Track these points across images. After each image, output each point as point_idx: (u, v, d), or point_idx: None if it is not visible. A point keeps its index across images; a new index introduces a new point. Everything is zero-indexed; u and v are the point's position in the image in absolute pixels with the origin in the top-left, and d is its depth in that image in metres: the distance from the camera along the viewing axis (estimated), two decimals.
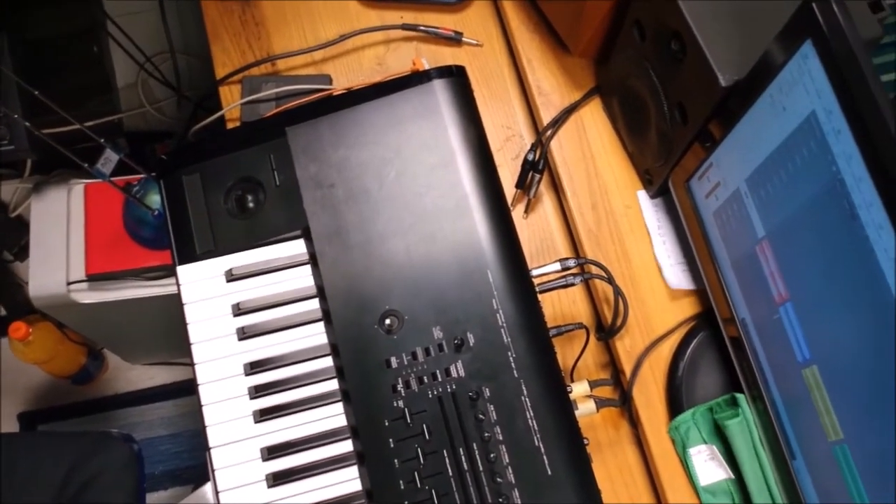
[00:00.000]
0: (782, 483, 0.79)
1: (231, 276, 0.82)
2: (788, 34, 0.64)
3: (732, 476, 0.83)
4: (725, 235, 0.80)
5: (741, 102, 0.70)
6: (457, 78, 0.86)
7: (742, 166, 0.73)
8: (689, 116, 0.78)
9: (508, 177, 0.98)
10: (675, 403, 0.86)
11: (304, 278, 0.83)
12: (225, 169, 0.85)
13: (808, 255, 0.67)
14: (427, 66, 1.00)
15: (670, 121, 0.81)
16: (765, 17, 0.72)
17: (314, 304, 0.82)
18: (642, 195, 0.94)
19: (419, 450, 0.75)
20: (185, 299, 0.82)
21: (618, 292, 0.86)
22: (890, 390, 0.59)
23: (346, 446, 0.77)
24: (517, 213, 0.98)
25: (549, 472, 0.74)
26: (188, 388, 1.47)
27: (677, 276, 0.90)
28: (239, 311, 0.81)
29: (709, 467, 0.83)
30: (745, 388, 0.82)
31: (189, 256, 0.83)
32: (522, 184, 0.95)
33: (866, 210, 0.57)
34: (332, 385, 0.79)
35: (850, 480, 0.67)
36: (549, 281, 0.84)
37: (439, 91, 0.85)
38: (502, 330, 0.78)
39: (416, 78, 0.86)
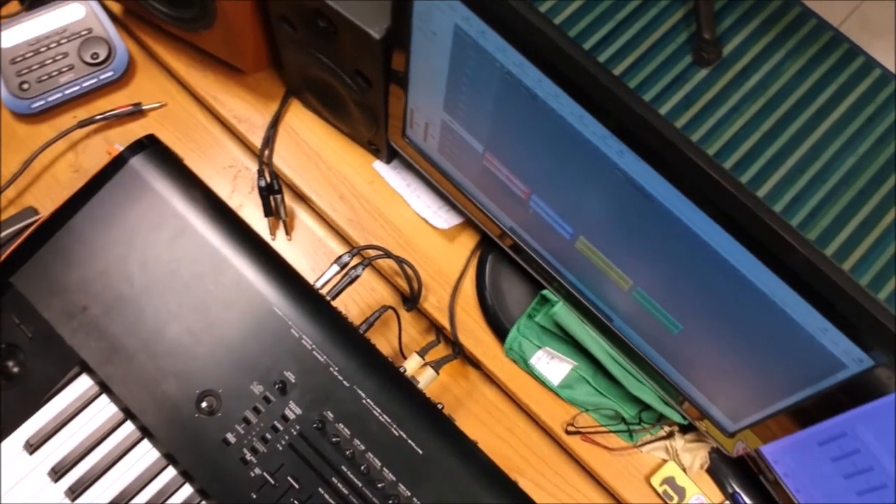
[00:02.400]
0: (615, 344, 0.83)
1: (32, 447, 0.77)
2: None
3: (575, 363, 0.87)
4: (457, 164, 0.82)
5: (402, 45, 0.72)
6: (151, 147, 0.84)
7: (435, 100, 0.75)
8: (369, 78, 0.79)
9: (256, 210, 0.96)
10: (499, 328, 0.89)
11: (105, 409, 0.79)
12: None
13: (523, 148, 0.70)
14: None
15: (359, 89, 0.82)
16: None
17: (128, 427, 0.79)
18: (378, 165, 0.95)
19: (296, 502, 0.74)
20: None
21: (400, 261, 0.87)
22: (639, 219, 0.64)
23: None
24: (280, 239, 0.97)
25: (421, 452, 0.75)
26: None
27: (443, 217, 0.93)
28: (57, 474, 0.76)
29: (553, 367, 0.87)
30: (546, 283, 0.85)
31: None
32: (270, 211, 0.94)
33: (540, 87, 0.61)
34: (187, 490, 0.77)
35: (658, 315, 0.72)
36: (336, 284, 0.85)
37: (140, 168, 0.82)
38: (314, 353, 0.77)
39: (112, 167, 0.83)
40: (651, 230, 0.63)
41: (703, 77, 2.02)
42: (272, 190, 0.93)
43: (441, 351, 0.91)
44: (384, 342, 0.93)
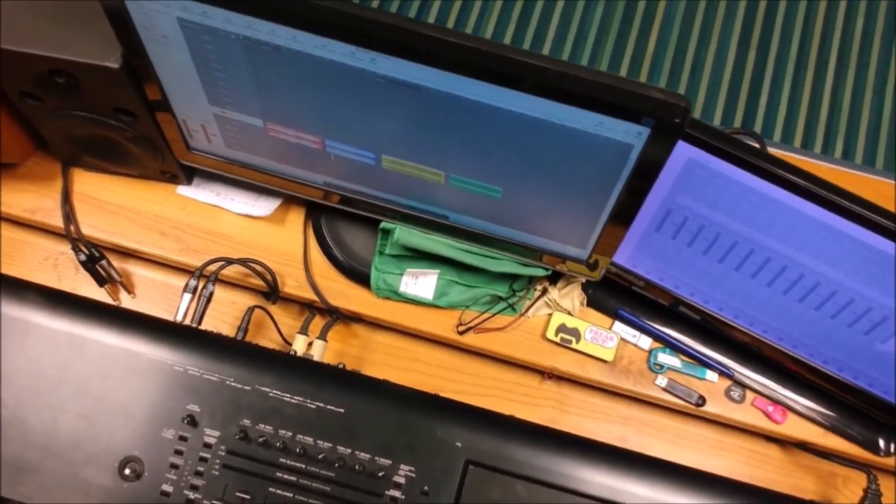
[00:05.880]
0: (461, 237, 0.89)
1: None
2: None
3: (438, 271, 0.92)
4: (249, 148, 0.85)
5: (143, 62, 0.73)
6: None
7: (198, 99, 0.78)
8: (131, 110, 0.80)
9: (92, 286, 0.95)
10: (361, 277, 0.93)
11: None
12: None
13: (294, 102, 0.74)
14: None
15: (127, 125, 0.83)
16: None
17: None
18: (182, 189, 0.97)
19: None
20: None
21: (244, 262, 0.89)
22: (419, 111, 0.69)
23: None
24: (126, 300, 0.97)
25: (343, 410, 0.78)
26: None
27: (263, 207, 0.95)
28: None
29: (420, 284, 0.92)
30: (380, 217, 0.90)
31: None
32: (103, 279, 0.94)
33: (276, 36, 0.65)
34: None
35: (479, 189, 0.78)
36: (196, 310, 0.86)
37: None
38: (205, 377, 0.79)
39: None
40: (433, 116, 0.68)
41: None
42: (95, 259, 0.93)
43: (321, 322, 0.94)
44: (268, 341, 0.95)
